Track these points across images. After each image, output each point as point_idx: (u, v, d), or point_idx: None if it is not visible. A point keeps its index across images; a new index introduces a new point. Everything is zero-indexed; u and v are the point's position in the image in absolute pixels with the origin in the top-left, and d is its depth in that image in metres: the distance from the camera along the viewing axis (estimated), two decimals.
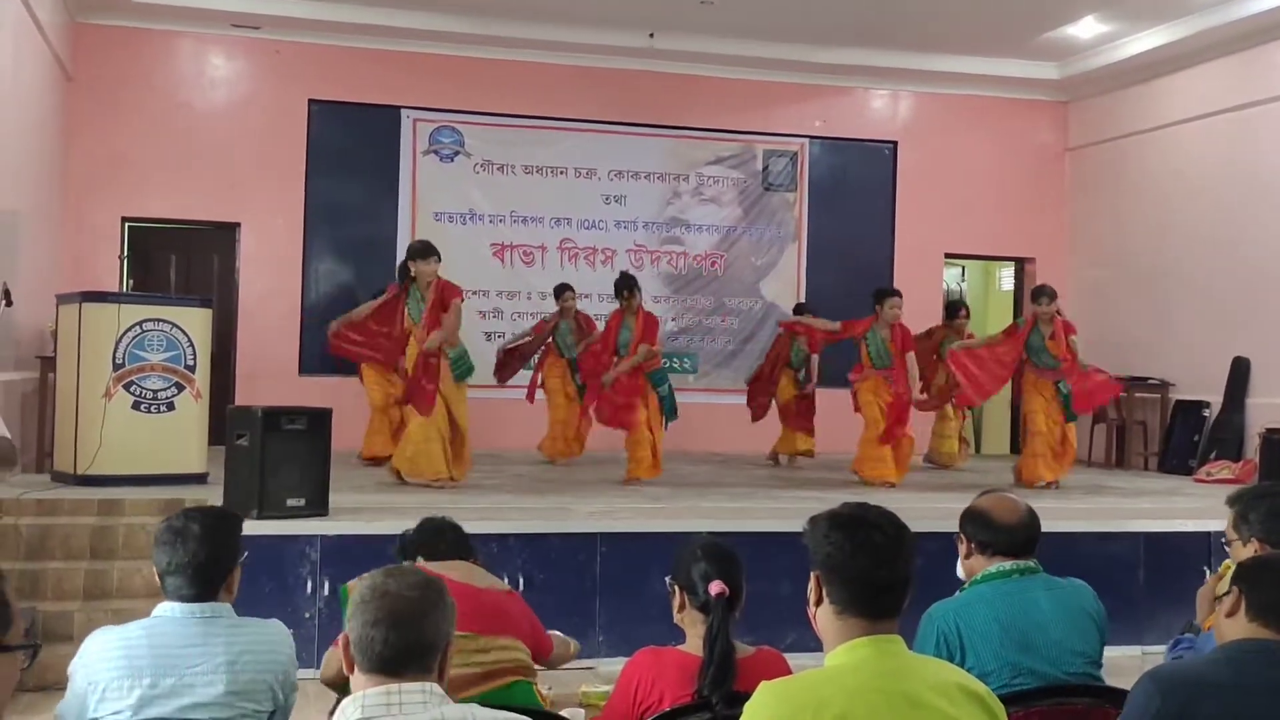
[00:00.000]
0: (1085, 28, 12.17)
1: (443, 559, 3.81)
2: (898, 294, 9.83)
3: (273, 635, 3.11)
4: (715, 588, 3.06)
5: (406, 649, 2.16)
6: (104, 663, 2.90)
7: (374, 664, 2.17)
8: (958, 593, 3.40)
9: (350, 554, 6.36)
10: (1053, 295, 9.68)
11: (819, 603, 2.39)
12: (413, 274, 8.65)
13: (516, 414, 11.35)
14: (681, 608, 3.19)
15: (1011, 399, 11.28)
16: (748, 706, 2.27)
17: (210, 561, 3.02)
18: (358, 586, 2.25)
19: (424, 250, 8.67)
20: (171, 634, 2.95)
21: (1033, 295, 9.86)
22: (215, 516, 3.17)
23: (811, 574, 2.41)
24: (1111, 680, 3.32)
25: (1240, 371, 11.39)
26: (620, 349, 9.41)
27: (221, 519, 3.18)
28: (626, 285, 9.63)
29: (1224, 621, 2.70)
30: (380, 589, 2.21)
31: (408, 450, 8.50)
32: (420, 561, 3.78)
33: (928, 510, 7.15)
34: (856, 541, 2.35)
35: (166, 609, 3.02)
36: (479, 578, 3.78)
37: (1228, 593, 2.72)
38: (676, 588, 3.20)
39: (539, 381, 11.11)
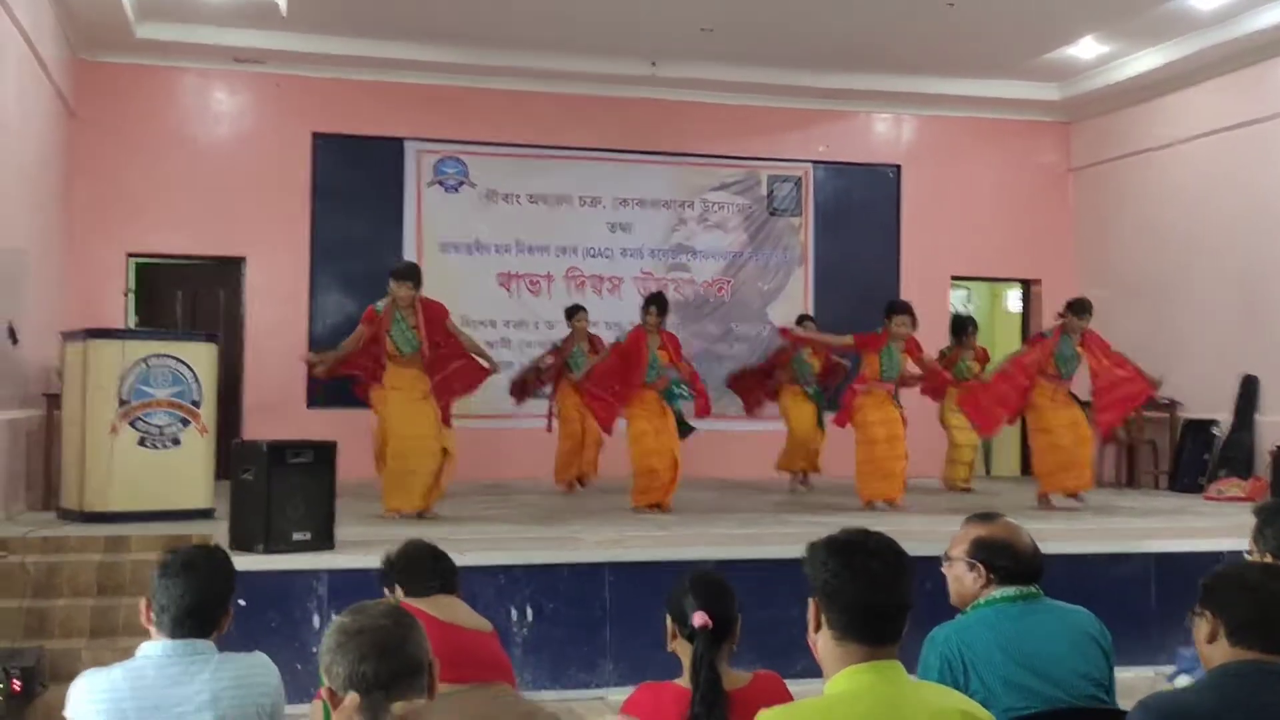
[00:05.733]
0: (1085, 48, 12.18)
1: (424, 591, 3.72)
2: (905, 310, 9.73)
3: (256, 667, 3.10)
4: (699, 619, 3.07)
5: (397, 674, 2.22)
6: (91, 705, 2.90)
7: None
8: (958, 615, 3.37)
9: (357, 587, 6.29)
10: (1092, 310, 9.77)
11: (818, 629, 2.38)
12: (390, 294, 8.62)
13: (523, 443, 11.33)
14: (674, 637, 3.19)
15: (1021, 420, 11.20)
16: None
17: (199, 605, 3.03)
18: (328, 638, 2.27)
19: (404, 273, 8.70)
20: (153, 675, 2.95)
21: (1076, 309, 9.73)
22: (206, 557, 3.17)
23: (810, 600, 2.40)
24: (1124, 702, 3.27)
25: (1249, 389, 11.34)
26: (651, 368, 9.22)
27: (211, 559, 3.17)
28: (658, 303, 9.46)
29: (1205, 648, 2.68)
30: (354, 628, 2.26)
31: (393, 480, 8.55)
32: (401, 597, 3.70)
33: (942, 534, 7.07)
34: (854, 568, 2.34)
35: (146, 649, 3.02)
36: (463, 615, 3.70)
37: (1200, 614, 2.70)
38: (669, 619, 3.21)
39: (553, 410, 11.05)
